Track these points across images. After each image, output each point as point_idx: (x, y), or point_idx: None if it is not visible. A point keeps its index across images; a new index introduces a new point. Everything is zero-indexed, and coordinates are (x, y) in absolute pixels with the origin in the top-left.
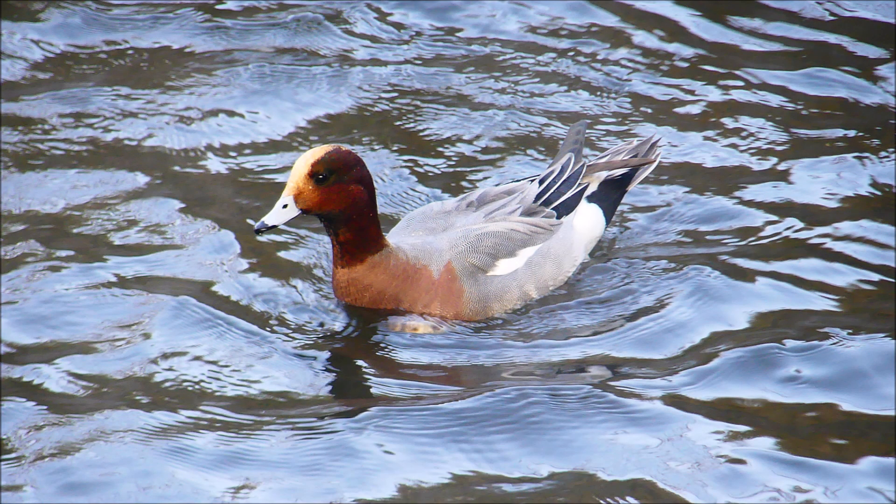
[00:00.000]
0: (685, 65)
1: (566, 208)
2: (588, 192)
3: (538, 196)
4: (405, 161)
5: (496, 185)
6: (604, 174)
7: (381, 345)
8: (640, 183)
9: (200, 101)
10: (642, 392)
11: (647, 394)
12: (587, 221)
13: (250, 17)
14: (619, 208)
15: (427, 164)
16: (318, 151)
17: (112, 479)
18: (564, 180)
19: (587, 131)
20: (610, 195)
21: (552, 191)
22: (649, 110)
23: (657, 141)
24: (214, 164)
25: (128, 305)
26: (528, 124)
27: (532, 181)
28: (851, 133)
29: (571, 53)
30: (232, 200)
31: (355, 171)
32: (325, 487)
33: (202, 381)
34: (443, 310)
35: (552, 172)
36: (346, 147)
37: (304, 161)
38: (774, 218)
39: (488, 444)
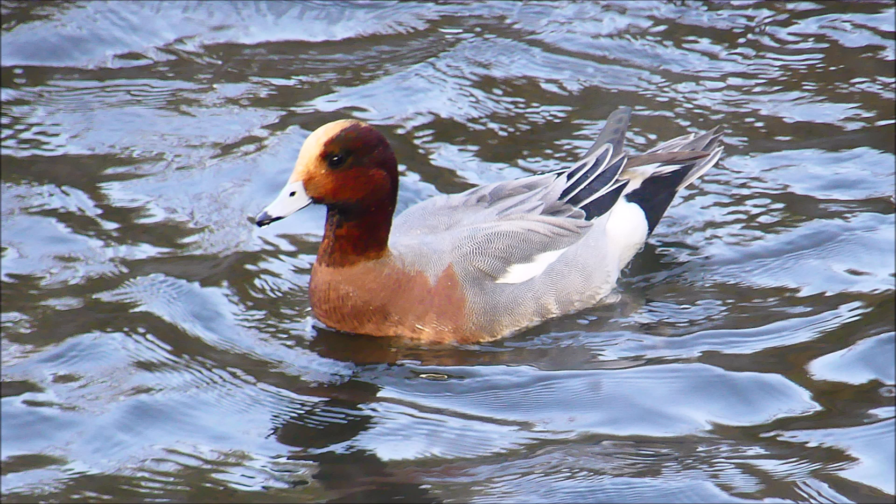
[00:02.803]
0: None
1: (598, 208)
2: (628, 189)
3: (565, 192)
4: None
5: (515, 179)
6: (650, 169)
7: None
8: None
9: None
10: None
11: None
12: (624, 225)
13: None
14: (668, 211)
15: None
16: (331, 128)
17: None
18: (598, 175)
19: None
20: (656, 195)
21: (582, 187)
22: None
23: (719, 136)
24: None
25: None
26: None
27: (559, 175)
28: None
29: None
30: None
31: (377, 151)
32: None
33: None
34: (440, 323)
35: (584, 165)
36: (365, 123)
37: (316, 140)
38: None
39: None
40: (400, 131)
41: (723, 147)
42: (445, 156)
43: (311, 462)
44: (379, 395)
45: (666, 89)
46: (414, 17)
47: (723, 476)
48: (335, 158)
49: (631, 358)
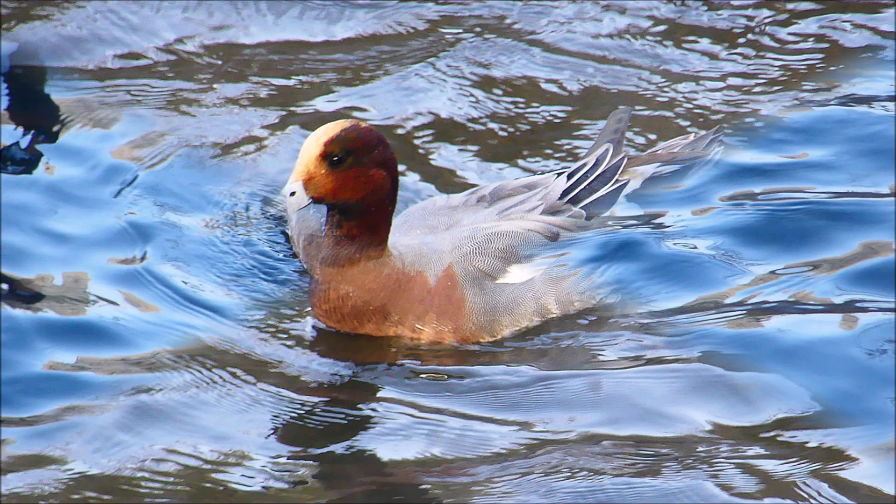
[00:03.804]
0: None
1: (598, 208)
2: (628, 189)
3: (565, 192)
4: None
5: (515, 179)
6: (650, 170)
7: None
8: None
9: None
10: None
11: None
12: None
13: None
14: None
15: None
16: (331, 128)
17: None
18: (598, 175)
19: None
20: None
21: (582, 187)
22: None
23: (719, 136)
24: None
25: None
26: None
27: (559, 175)
28: None
29: (635, 31)
30: None
31: (377, 151)
32: None
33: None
34: (440, 323)
35: (584, 165)
36: (365, 123)
37: (316, 140)
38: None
39: None
40: (400, 131)
41: (723, 147)
42: (445, 156)
43: (311, 462)
44: (379, 395)
45: (666, 89)
46: (414, 17)
47: (723, 476)
48: (335, 158)
49: (631, 358)
